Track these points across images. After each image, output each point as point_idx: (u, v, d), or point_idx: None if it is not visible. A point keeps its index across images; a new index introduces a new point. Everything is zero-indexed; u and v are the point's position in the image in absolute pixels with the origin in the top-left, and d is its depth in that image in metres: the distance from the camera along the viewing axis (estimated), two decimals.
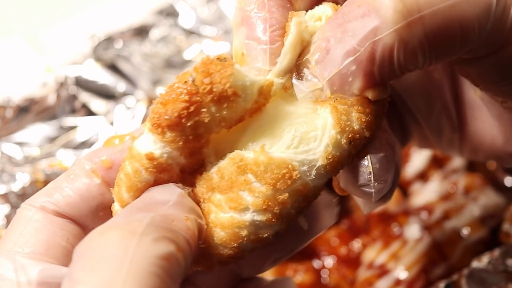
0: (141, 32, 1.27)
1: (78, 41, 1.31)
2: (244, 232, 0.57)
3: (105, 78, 1.21)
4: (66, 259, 0.57)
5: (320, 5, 0.66)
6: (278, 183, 0.56)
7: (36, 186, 1.07)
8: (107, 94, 1.20)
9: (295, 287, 0.63)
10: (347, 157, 0.61)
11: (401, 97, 0.82)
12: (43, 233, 0.57)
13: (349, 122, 0.60)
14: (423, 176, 1.22)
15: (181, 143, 0.56)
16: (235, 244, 0.58)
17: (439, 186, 1.19)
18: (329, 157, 0.59)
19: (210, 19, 1.32)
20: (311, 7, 0.67)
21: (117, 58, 1.23)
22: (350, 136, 0.60)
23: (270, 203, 0.57)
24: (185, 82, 0.54)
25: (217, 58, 0.55)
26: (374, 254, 1.11)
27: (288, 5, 0.65)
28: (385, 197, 0.70)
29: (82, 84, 1.20)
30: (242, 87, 0.56)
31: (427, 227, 1.11)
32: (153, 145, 0.56)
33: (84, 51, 1.23)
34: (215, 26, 1.31)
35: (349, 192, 0.68)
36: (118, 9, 1.52)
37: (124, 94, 1.20)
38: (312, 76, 0.63)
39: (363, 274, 1.10)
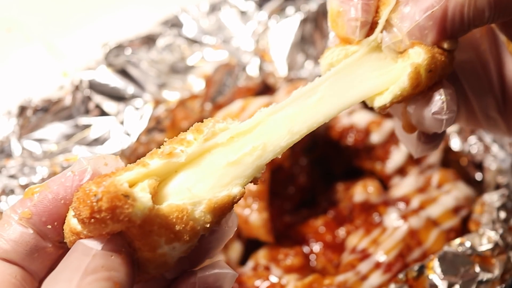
0: (149, 40, 1.31)
1: (91, 48, 1.34)
2: (168, 259, 0.61)
3: (116, 82, 1.24)
4: None
5: None
6: (176, 226, 0.59)
7: None
8: (117, 96, 1.23)
9: (226, 266, 0.65)
10: (411, 94, 0.69)
11: (453, 73, 0.84)
12: None
13: (430, 55, 0.68)
14: (401, 171, 1.26)
15: (103, 232, 0.57)
16: (160, 268, 0.61)
17: (415, 180, 1.24)
18: (412, 76, 0.67)
19: (210, 29, 1.36)
20: None
21: (126, 64, 1.26)
22: (432, 66, 0.68)
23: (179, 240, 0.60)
24: (91, 196, 0.55)
25: (122, 194, 0.55)
26: (357, 240, 1.16)
27: None
28: (439, 141, 0.79)
29: (95, 87, 1.23)
30: (139, 216, 0.57)
31: (404, 216, 1.15)
32: (79, 225, 0.58)
33: (97, 58, 1.26)
34: (215, 36, 1.35)
35: (420, 125, 0.74)
36: (128, 20, 1.53)
37: (133, 96, 1.24)
38: (394, 29, 0.70)
39: (346, 257, 1.14)
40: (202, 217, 0.60)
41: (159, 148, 0.62)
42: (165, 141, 0.63)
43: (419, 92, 0.71)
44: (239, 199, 0.63)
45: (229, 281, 0.65)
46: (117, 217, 0.55)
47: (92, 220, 0.55)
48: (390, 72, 0.72)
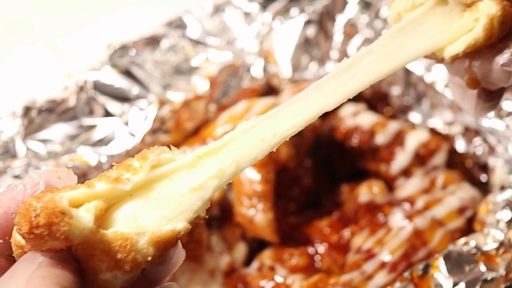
0: (153, 41, 1.31)
1: (96, 49, 1.33)
2: (111, 286, 0.60)
3: (121, 82, 1.24)
4: None
5: None
6: (118, 254, 0.58)
7: None
8: (122, 97, 1.24)
9: None
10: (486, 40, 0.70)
11: None
12: None
13: (501, 6, 0.69)
14: (406, 172, 1.27)
15: (44, 248, 0.57)
16: None
17: (420, 181, 1.24)
18: (486, 27, 0.68)
19: (214, 30, 1.36)
20: None
21: (131, 64, 1.26)
22: (504, 18, 0.69)
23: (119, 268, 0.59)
24: (30, 211, 0.55)
25: (60, 211, 0.55)
26: (362, 240, 1.16)
27: None
28: (498, 99, 0.79)
29: (100, 88, 1.23)
30: (77, 235, 0.56)
31: (409, 216, 1.16)
32: (22, 240, 0.57)
33: (102, 58, 1.26)
34: (219, 37, 1.35)
35: (485, 79, 0.74)
36: (132, 21, 1.53)
37: (138, 97, 1.24)
38: None
39: (351, 257, 1.15)
40: (145, 249, 0.60)
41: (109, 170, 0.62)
42: (113, 165, 0.62)
43: (490, 44, 0.71)
44: (183, 234, 0.62)
45: None
46: (53, 234, 0.55)
47: (31, 235, 0.55)
48: (457, 24, 0.72)
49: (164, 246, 0.61)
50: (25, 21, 1.59)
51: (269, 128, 0.67)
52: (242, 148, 0.65)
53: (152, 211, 0.62)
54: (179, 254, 0.66)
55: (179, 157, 0.64)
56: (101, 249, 0.58)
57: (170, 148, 0.65)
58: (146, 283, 0.64)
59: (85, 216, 0.57)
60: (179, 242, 0.64)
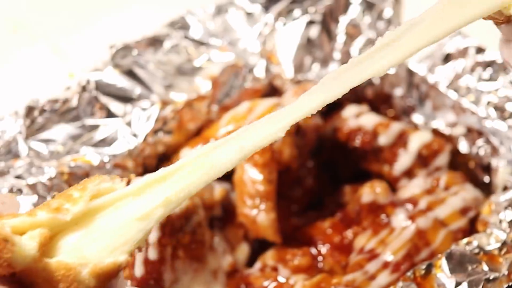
0: (155, 42, 1.31)
1: (98, 49, 1.34)
2: None
3: (123, 83, 1.25)
4: None
5: None
6: (61, 284, 0.58)
7: (61, 177, 1.13)
8: (124, 97, 1.24)
9: None
10: None
11: None
12: None
13: None
14: (409, 173, 1.28)
15: None
16: None
17: (423, 181, 1.26)
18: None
19: (217, 31, 1.36)
20: None
21: (133, 65, 1.26)
22: None
23: None
24: None
25: (2, 238, 0.55)
26: (365, 241, 1.18)
27: None
28: None
29: (102, 88, 1.23)
30: (19, 262, 0.56)
31: (412, 217, 1.17)
32: None
33: (104, 59, 1.26)
34: (221, 38, 1.35)
35: None
36: (135, 21, 1.54)
37: (140, 97, 1.24)
38: None
39: (354, 258, 1.16)
40: (86, 280, 0.60)
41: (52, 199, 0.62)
42: (54, 195, 0.62)
43: None
44: (125, 267, 0.62)
45: None
46: None
47: None
48: None
49: (105, 278, 0.61)
50: (26, 21, 1.60)
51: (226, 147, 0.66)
52: (193, 173, 0.65)
53: (96, 241, 0.62)
54: (121, 285, 0.66)
55: (120, 186, 0.64)
56: (43, 277, 0.58)
57: (111, 178, 0.64)
58: None
59: (28, 244, 0.57)
60: (121, 273, 0.64)
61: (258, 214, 1.16)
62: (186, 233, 1.14)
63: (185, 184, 0.64)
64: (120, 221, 0.62)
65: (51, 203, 0.61)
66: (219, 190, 1.22)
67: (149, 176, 0.65)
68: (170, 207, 0.64)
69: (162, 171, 0.65)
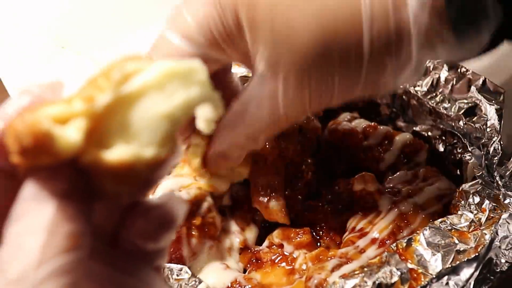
0: None
1: None
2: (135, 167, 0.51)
3: None
4: None
5: None
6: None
7: None
8: None
9: (183, 201, 0.59)
10: None
11: None
12: None
13: None
14: (393, 168, 1.39)
15: (37, 165, 0.49)
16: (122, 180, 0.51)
17: (405, 174, 1.36)
18: None
19: None
20: None
21: None
22: None
23: None
24: (16, 132, 0.48)
25: (43, 132, 0.48)
26: (356, 222, 1.27)
27: None
28: None
29: None
30: (67, 153, 0.49)
31: (395, 202, 1.27)
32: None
33: None
34: None
35: None
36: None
37: None
38: None
39: (347, 236, 1.26)
40: (142, 171, 0.51)
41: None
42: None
43: None
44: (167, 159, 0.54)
45: (182, 208, 0.58)
46: (41, 154, 0.48)
47: (21, 157, 0.49)
48: None
49: (155, 167, 0.52)
50: (72, 38, 1.70)
51: None
52: None
53: (134, 135, 0.51)
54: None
55: (145, 65, 0.52)
56: (100, 172, 0.51)
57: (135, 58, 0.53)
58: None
59: (73, 136, 0.49)
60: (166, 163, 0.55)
61: (270, 200, 1.26)
62: (198, 216, 1.21)
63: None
64: (150, 115, 0.51)
65: (82, 92, 0.52)
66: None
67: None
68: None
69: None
